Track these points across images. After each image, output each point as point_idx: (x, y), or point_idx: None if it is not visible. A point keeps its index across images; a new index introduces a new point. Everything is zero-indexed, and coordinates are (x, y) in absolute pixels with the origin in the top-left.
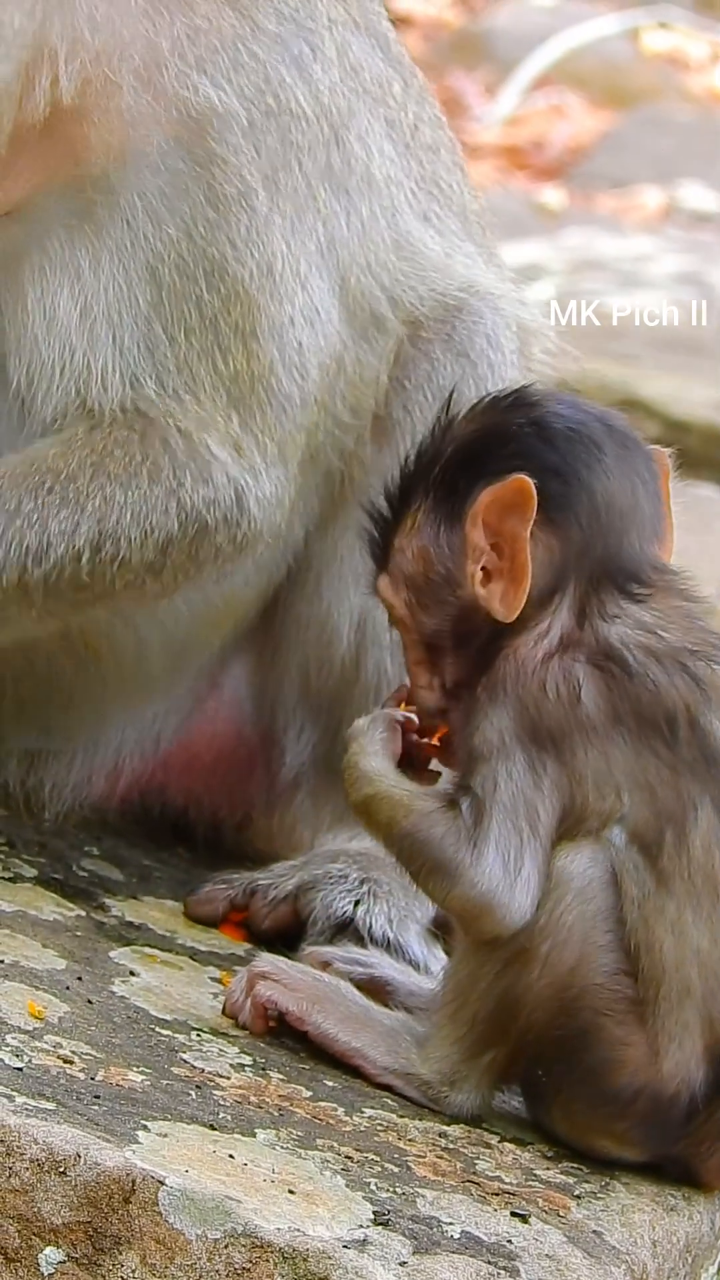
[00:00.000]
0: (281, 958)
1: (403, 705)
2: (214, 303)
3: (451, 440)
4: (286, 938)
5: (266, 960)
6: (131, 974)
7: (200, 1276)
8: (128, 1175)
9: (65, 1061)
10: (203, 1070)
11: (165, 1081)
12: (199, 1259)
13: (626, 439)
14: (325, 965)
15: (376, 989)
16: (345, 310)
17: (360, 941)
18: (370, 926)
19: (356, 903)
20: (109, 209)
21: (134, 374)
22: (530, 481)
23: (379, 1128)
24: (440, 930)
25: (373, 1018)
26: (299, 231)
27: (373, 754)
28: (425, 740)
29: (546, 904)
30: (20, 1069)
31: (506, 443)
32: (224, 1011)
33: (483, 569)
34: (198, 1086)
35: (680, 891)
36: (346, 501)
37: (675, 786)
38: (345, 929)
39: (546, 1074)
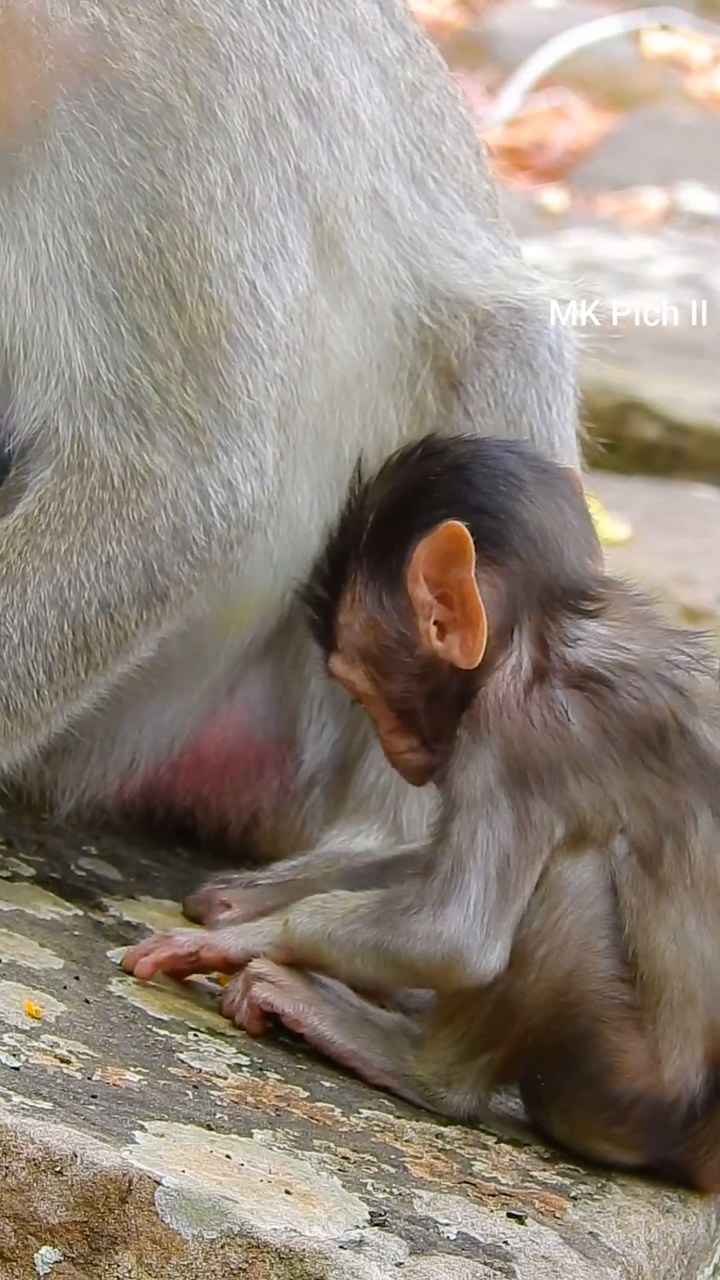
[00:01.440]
0: (275, 966)
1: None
2: (157, 239)
3: (372, 505)
4: None
5: (263, 962)
6: (129, 974)
7: (196, 1277)
8: (124, 1175)
9: (62, 1061)
10: (200, 1070)
11: (162, 1081)
12: (195, 1259)
13: (540, 464)
14: None
15: (374, 989)
16: (318, 254)
17: None
18: None
19: None
20: (37, 160)
21: (93, 348)
22: (463, 525)
23: (376, 1128)
24: None
25: (369, 1019)
26: (253, 162)
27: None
28: None
29: (543, 909)
30: (17, 1068)
31: (429, 493)
32: (221, 1011)
33: (435, 623)
34: (195, 1086)
35: (683, 899)
36: None
37: (672, 797)
38: None
39: (545, 1078)
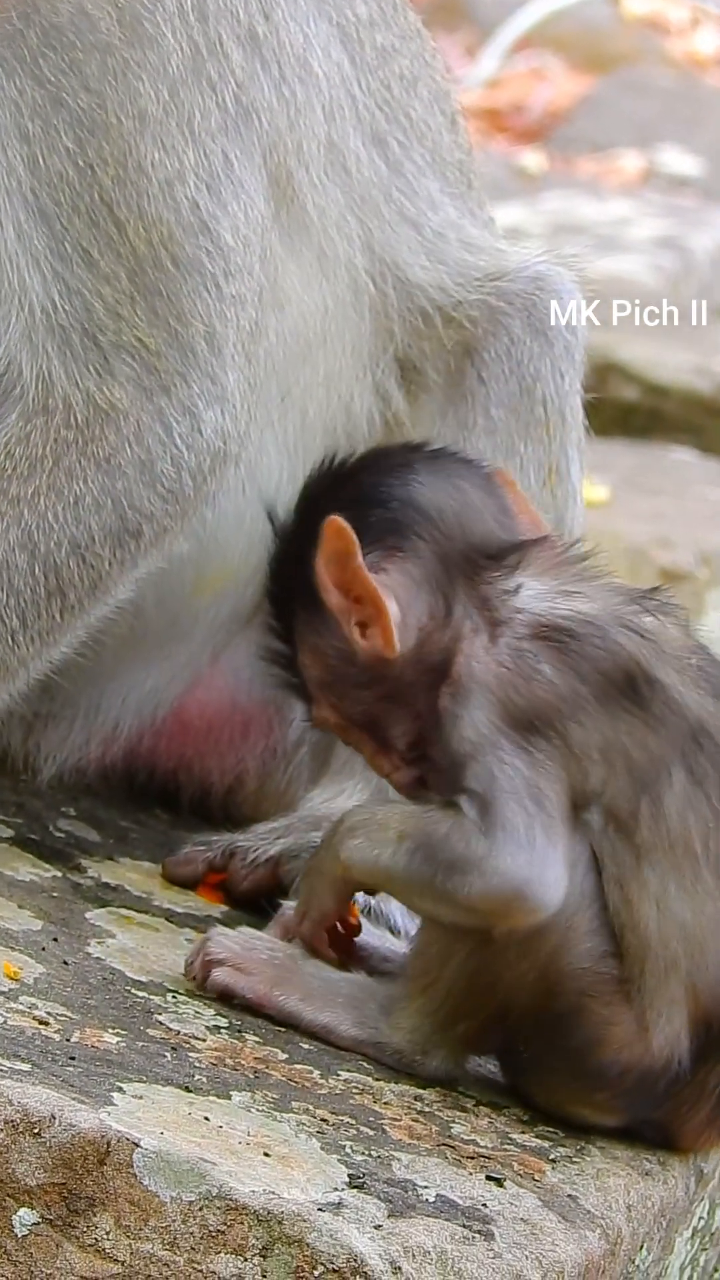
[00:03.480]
0: (234, 933)
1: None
2: (86, 155)
3: (280, 546)
4: (264, 901)
5: (219, 944)
6: (108, 935)
7: (175, 1239)
8: (103, 1137)
9: (40, 1023)
10: (178, 1032)
11: (141, 1043)
12: (173, 1221)
13: (436, 452)
14: (291, 927)
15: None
16: (271, 188)
17: None
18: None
19: None
20: None
21: (45, 273)
22: (337, 517)
23: (354, 1091)
24: None
25: (335, 989)
26: (190, 83)
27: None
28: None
29: None
30: None
31: (316, 506)
32: (185, 975)
33: (357, 624)
34: (173, 1048)
35: (661, 864)
36: None
37: (648, 747)
38: None
39: (527, 1049)
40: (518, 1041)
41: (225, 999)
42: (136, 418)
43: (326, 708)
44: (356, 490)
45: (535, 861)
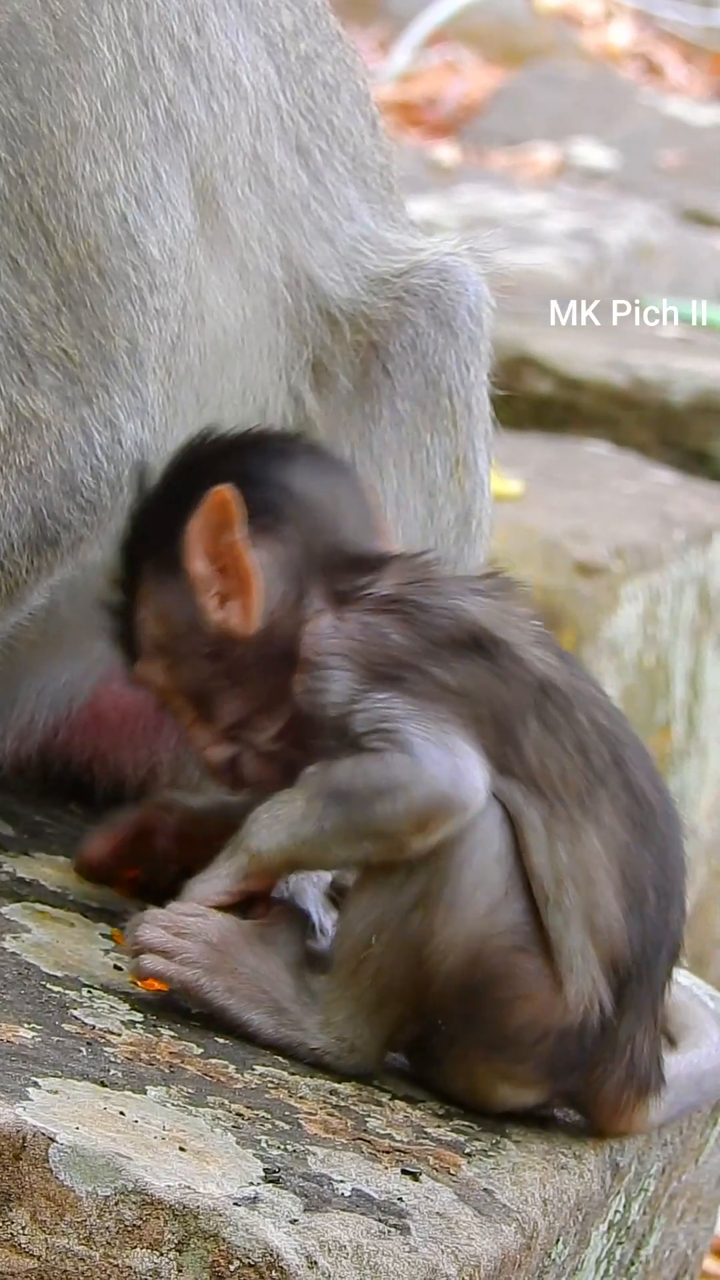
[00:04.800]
0: (167, 915)
1: None
2: (17, 164)
3: (145, 504)
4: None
5: (150, 932)
6: (23, 930)
7: (91, 1233)
8: (18, 1132)
9: None
10: (94, 1027)
11: (56, 1038)
12: (89, 1216)
13: (310, 446)
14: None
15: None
16: (198, 203)
17: None
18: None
19: None
20: None
21: None
22: (229, 488)
23: (270, 1085)
24: (339, 895)
25: (264, 982)
26: (123, 96)
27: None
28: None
29: (443, 848)
30: None
31: (193, 474)
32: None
33: (216, 595)
34: (89, 1043)
35: (533, 802)
36: None
37: (501, 697)
38: None
39: (447, 1026)
40: (437, 1016)
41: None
42: (59, 427)
43: (156, 669)
44: (237, 467)
45: (458, 764)
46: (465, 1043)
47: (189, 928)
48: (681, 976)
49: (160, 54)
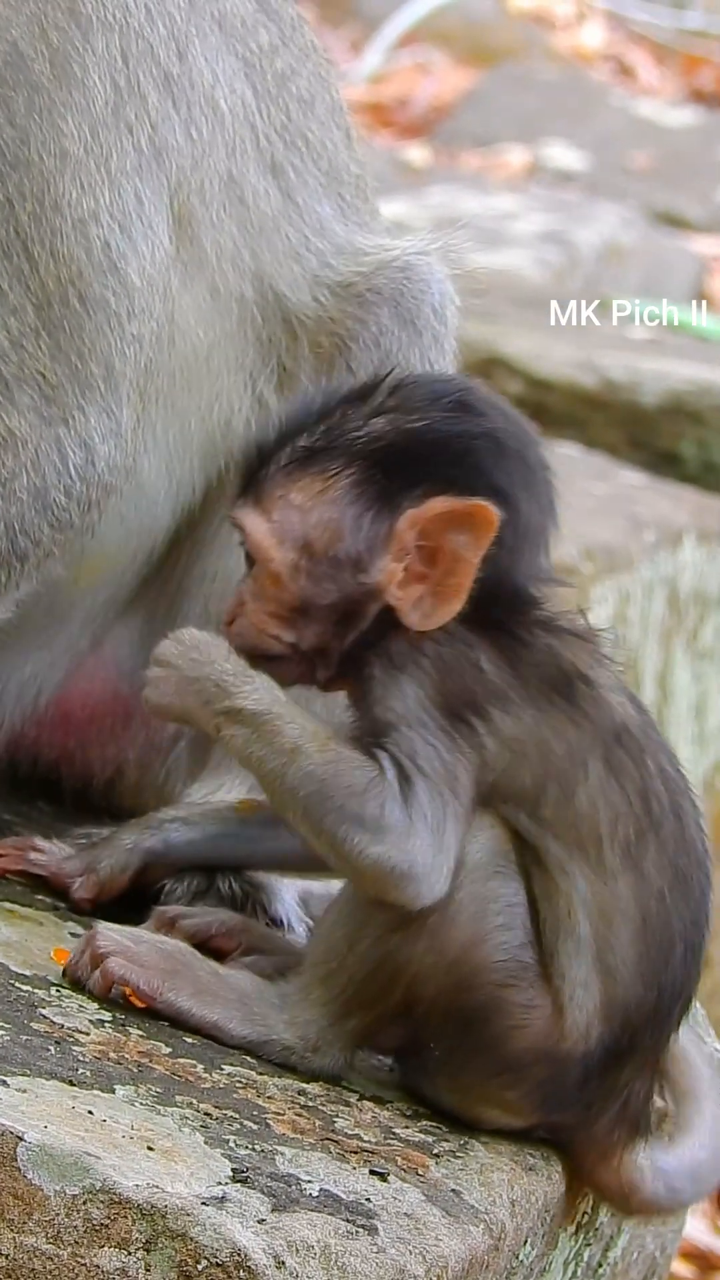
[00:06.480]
0: (121, 929)
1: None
2: (5, 189)
3: (394, 425)
4: (147, 895)
5: (108, 938)
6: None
7: (59, 1232)
8: None
9: None
10: (62, 1026)
11: (24, 1037)
12: (57, 1215)
13: (544, 459)
14: (173, 922)
15: (227, 933)
16: (174, 230)
17: (220, 903)
18: (230, 888)
19: (213, 869)
20: None
21: None
22: (496, 514)
23: (238, 1085)
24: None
25: (226, 984)
26: (110, 124)
27: (239, 662)
28: None
29: None
30: None
31: (461, 455)
32: (65, 975)
33: (410, 574)
34: (57, 1042)
35: (566, 840)
36: None
37: (568, 739)
38: (204, 894)
39: (438, 1046)
40: (427, 1039)
41: (109, 994)
42: (35, 445)
43: (285, 557)
44: (498, 468)
45: (438, 854)
46: (457, 1065)
47: (145, 939)
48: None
49: (145, 82)
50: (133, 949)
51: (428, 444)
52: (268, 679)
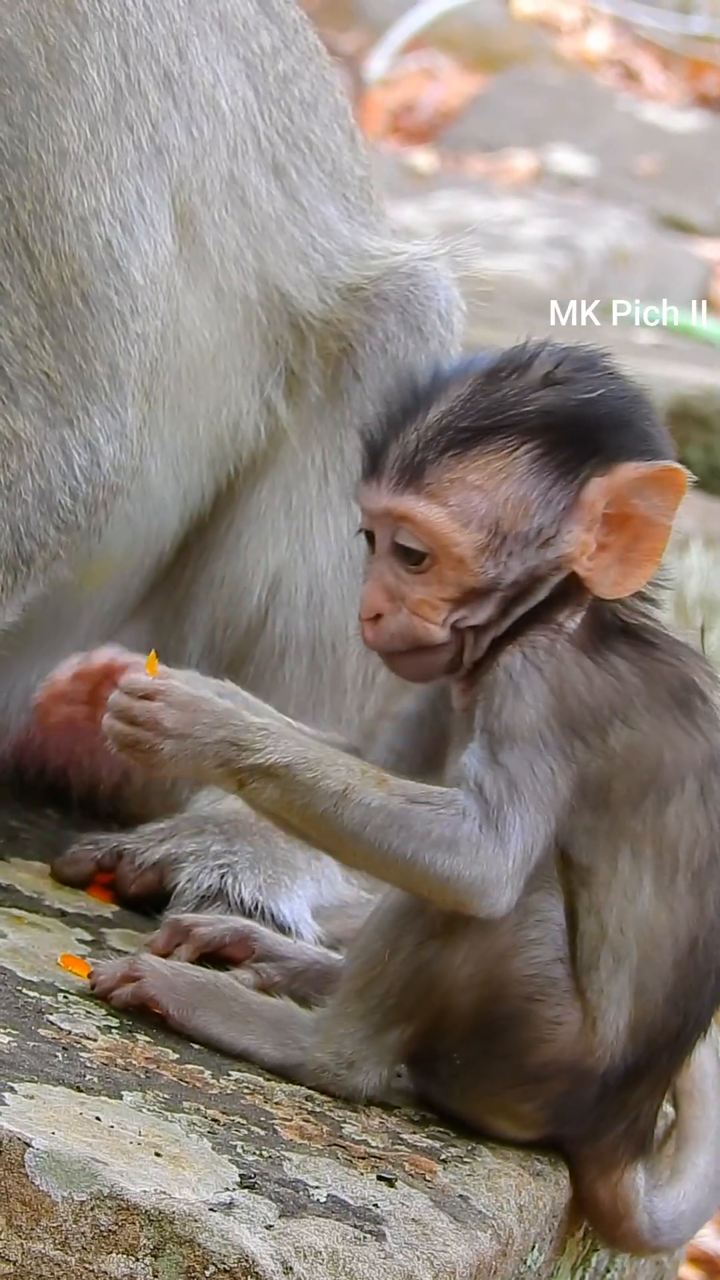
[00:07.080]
0: (161, 961)
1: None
2: (5, 188)
3: (565, 397)
4: (154, 901)
5: (149, 964)
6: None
7: (66, 1238)
8: None
9: None
10: (70, 1032)
11: (32, 1043)
12: (65, 1221)
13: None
14: (187, 930)
15: (239, 941)
16: (178, 227)
17: (229, 909)
18: (240, 895)
19: (223, 875)
20: None
21: None
22: (687, 475)
23: (245, 1090)
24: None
25: (256, 1011)
26: (110, 122)
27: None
28: None
29: None
30: None
31: (633, 422)
32: (93, 990)
33: (600, 544)
34: (65, 1048)
35: (644, 855)
36: (269, 460)
37: (679, 750)
38: (213, 900)
39: (461, 1055)
40: (450, 1047)
41: (131, 1010)
42: (40, 447)
43: (470, 540)
44: (661, 439)
45: (515, 873)
46: (476, 1075)
47: (184, 971)
48: None
49: (145, 80)
50: (167, 978)
51: (601, 414)
52: (280, 723)
